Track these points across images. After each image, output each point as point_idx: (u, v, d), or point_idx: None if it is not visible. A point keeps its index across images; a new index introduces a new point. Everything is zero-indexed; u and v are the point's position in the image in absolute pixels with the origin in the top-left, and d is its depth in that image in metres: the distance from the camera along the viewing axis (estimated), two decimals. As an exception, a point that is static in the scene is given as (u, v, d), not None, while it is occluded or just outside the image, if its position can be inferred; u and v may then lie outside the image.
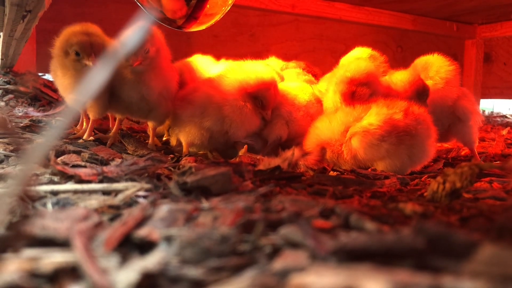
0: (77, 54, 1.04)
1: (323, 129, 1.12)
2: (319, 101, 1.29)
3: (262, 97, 1.17)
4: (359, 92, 1.13)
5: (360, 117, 1.08)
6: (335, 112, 1.15)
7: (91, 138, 1.17)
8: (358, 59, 1.31)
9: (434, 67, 1.35)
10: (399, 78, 1.27)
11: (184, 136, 1.18)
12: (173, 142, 1.28)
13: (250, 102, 1.17)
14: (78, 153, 0.94)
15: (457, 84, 1.35)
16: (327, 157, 1.13)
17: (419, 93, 1.24)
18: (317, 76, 1.49)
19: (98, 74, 0.43)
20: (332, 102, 1.19)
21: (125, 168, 0.74)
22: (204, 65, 1.45)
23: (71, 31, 1.07)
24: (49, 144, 0.40)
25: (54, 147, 0.93)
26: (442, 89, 1.31)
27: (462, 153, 1.49)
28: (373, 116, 1.06)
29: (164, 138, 1.39)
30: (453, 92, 1.33)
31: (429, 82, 1.31)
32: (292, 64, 1.53)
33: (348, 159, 1.09)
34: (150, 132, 1.23)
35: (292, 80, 1.39)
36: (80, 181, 0.67)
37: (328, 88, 1.23)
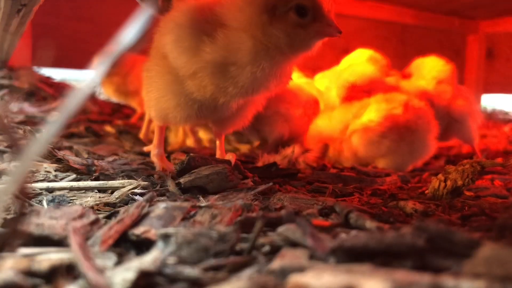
0: (300, 13, 0.61)
1: (324, 127, 1.12)
2: (316, 102, 1.29)
3: None
4: (358, 98, 1.12)
5: (359, 113, 1.07)
6: (334, 109, 1.14)
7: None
8: (364, 64, 1.28)
9: (428, 66, 1.35)
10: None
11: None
12: (189, 143, 1.25)
13: None
14: (72, 149, 0.94)
15: (452, 84, 1.34)
16: (329, 154, 1.12)
17: None
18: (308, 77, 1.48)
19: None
20: (332, 101, 1.19)
21: (117, 166, 0.74)
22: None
23: None
24: (46, 140, 0.40)
25: (51, 143, 0.92)
26: (433, 89, 1.31)
27: (464, 150, 1.48)
28: (373, 112, 1.04)
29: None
30: (446, 92, 1.32)
31: (421, 82, 1.31)
32: None
33: (348, 156, 1.08)
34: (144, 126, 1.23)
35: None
36: (76, 178, 0.66)
37: (330, 87, 1.23)
